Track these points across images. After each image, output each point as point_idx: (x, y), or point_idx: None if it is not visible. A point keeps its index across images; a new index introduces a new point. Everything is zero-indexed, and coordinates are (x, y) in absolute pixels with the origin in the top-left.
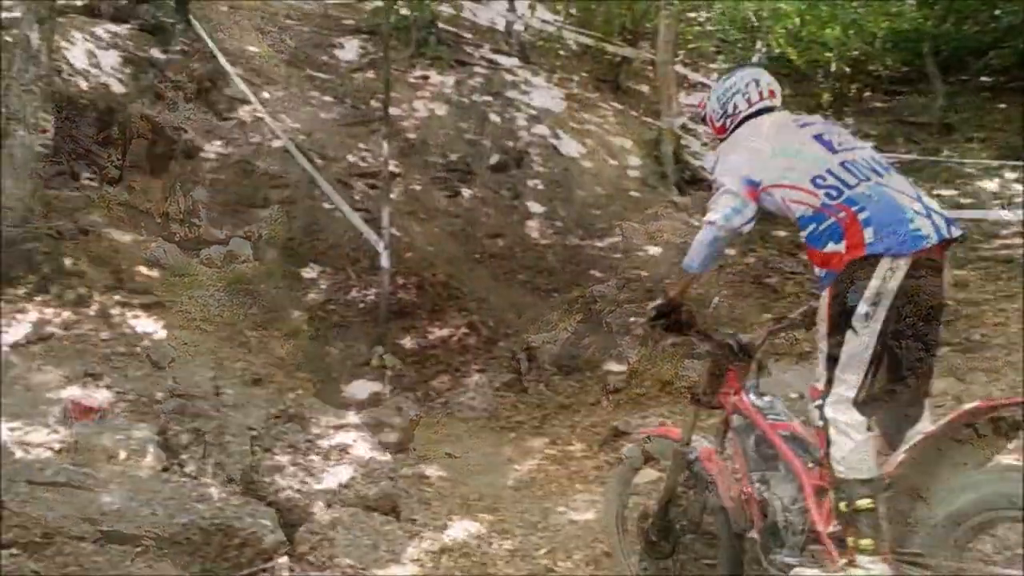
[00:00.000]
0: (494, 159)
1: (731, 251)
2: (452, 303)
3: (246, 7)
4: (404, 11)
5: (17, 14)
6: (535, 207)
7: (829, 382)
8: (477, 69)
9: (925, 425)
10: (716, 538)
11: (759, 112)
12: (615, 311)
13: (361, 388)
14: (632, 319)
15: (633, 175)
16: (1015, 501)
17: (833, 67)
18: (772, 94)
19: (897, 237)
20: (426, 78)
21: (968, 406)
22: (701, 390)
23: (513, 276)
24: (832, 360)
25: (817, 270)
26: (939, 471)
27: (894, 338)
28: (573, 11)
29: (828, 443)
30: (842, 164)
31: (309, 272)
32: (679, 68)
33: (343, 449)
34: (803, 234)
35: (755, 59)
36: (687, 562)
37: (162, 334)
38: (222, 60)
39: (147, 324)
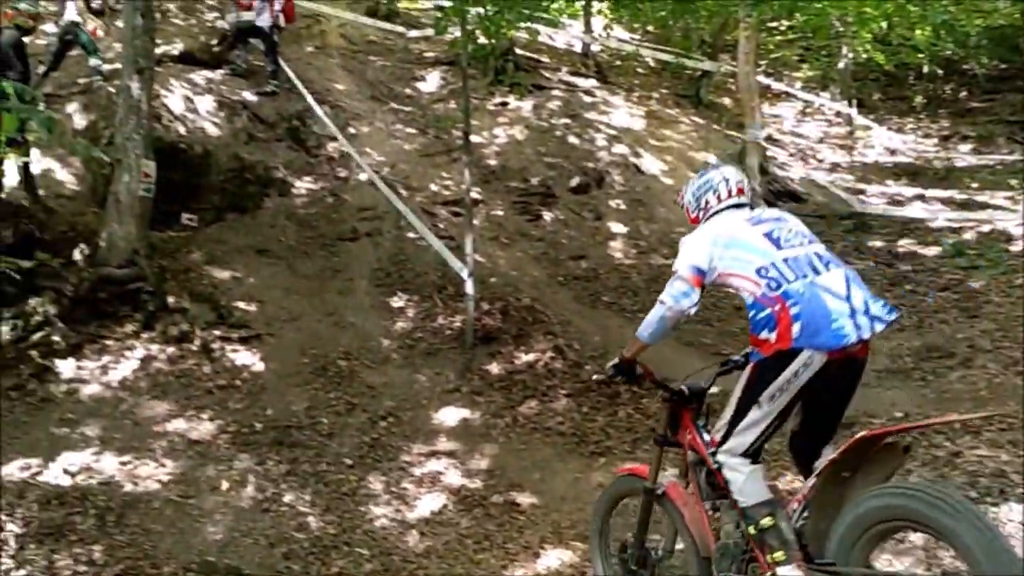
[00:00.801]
0: (575, 181)
1: None
2: (537, 327)
3: (332, 46)
4: (482, 40)
5: (118, 66)
6: (617, 227)
7: (727, 437)
8: (555, 92)
9: (829, 452)
10: (688, 563)
11: (728, 207)
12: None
13: (450, 415)
14: (719, 338)
15: None
16: (907, 512)
17: (925, 69)
18: (740, 192)
19: (819, 337)
20: (505, 104)
21: (860, 434)
22: (661, 431)
23: (597, 298)
24: (735, 420)
25: (750, 347)
26: (844, 490)
27: (806, 404)
28: (650, 28)
29: (726, 482)
30: (785, 260)
31: (397, 301)
32: (761, 78)
33: (435, 477)
34: (750, 315)
35: (841, 65)
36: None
37: (260, 366)
38: (309, 99)
39: (246, 357)
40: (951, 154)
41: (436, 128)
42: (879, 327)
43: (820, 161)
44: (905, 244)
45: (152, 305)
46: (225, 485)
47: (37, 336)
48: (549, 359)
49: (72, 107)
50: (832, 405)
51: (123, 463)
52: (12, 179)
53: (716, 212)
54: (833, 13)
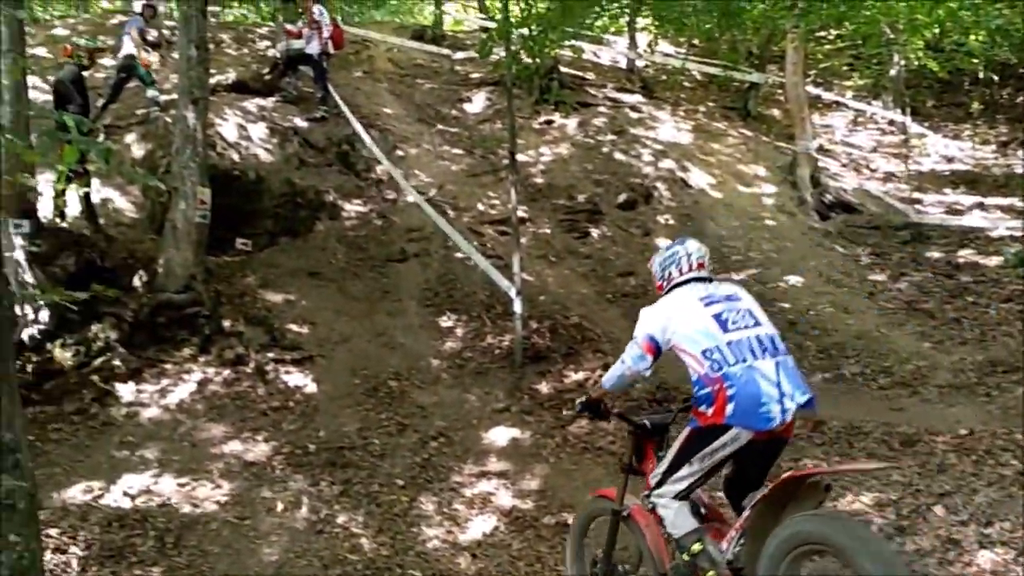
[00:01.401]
0: (622, 197)
1: (882, 276)
2: (586, 345)
3: (379, 71)
4: (526, 60)
5: (175, 96)
6: (666, 242)
7: (660, 483)
8: (601, 109)
9: (761, 491)
10: None
11: (689, 280)
12: None
13: (500, 435)
14: None
15: (768, 203)
16: (817, 535)
17: (980, 74)
18: (701, 266)
19: (748, 417)
20: (551, 122)
21: (787, 475)
22: (627, 460)
23: None
24: (669, 472)
25: (691, 415)
26: (774, 520)
27: (736, 461)
28: (696, 42)
29: (660, 518)
30: (728, 343)
31: (446, 321)
32: (811, 89)
33: (485, 498)
34: (693, 388)
35: (892, 72)
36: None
37: (312, 387)
38: (356, 125)
39: (299, 378)
40: (1010, 160)
41: (482, 148)
42: (797, 410)
43: (874, 171)
44: (965, 255)
45: (208, 329)
46: (280, 506)
47: (99, 361)
48: (599, 377)
49: (130, 137)
50: (758, 468)
51: (181, 485)
52: (74, 209)
53: (678, 284)
54: (883, 20)
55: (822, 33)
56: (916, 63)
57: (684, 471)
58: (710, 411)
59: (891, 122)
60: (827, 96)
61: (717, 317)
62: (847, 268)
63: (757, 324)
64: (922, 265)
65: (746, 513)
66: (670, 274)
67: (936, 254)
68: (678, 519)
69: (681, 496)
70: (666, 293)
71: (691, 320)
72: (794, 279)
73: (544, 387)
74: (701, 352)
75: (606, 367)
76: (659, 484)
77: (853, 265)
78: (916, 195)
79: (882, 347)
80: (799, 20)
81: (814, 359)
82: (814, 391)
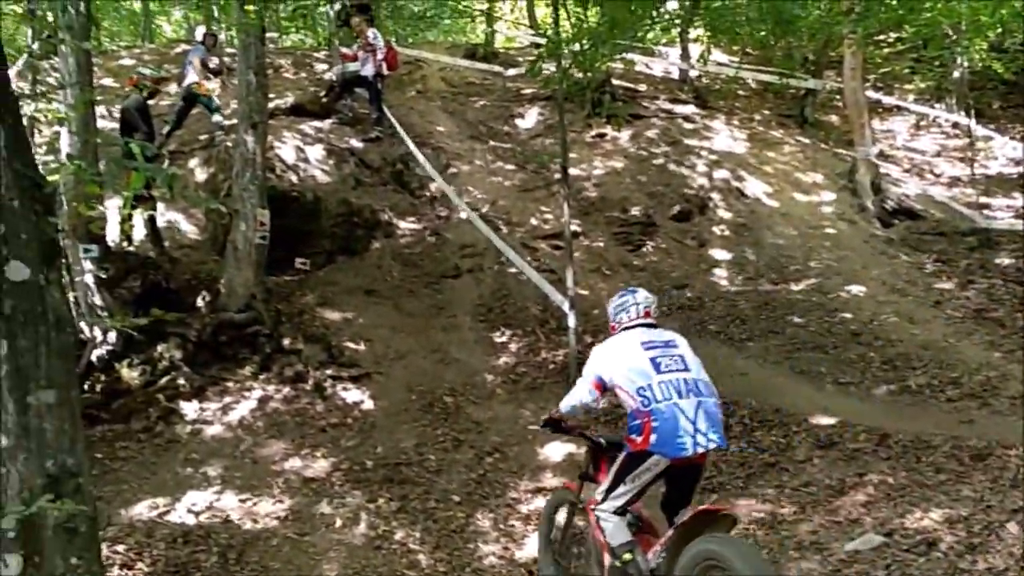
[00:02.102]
0: (676, 209)
1: (948, 285)
2: None
3: (433, 90)
4: (578, 75)
5: (236, 121)
6: (722, 254)
7: (604, 499)
8: (654, 121)
9: (687, 512)
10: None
11: (635, 326)
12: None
13: (556, 450)
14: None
15: (828, 211)
16: (718, 555)
17: None
18: (647, 314)
19: (667, 447)
20: (603, 136)
21: (702, 508)
22: (584, 469)
23: (704, 327)
24: (610, 490)
25: (625, 443)
26: (689, 542)
27: (667, 482)
28: (750, 50)
29: (601, 529)
30: (660, 383)
31: (500, 336)
32: (870, 93)
33: (541, 514)
34: (628, 420)
35: (955, 75)
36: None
37: (370, 404)
38: (410, 144)
39: (356, 395)
40: None
41: (534, 163)
42: (711, 446)
43: (938, 176)
44: None
45: (269, 347)
46: (339, 522)
47: (164, 380)
48: None
49: (194, 162)
50: (681, 489)
51: (243, 501)
52: (140, 233)
53: (627, 327)
54: (945, 22)
55: (881, 36)
56: (980, 64)
57: (620, 490)
58: (639, 439)
59: (955, 125)
60: (887, 100)
61: (653, 360)
62: (911, 276)
63: (686, 369)
64: (991, 272)
65: (670, 532)
66: (621, 319)
67: (1005, 260)
68: (615, 531)
69: (619, 511)
70: (617, 334)
71: (631, 361)
72: (856, 289)
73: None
74: (636, 390)
75: None
76: (602, 500)
77: (918, 273)
78: (983, 200)
79: (950, 357)
80: (856, 25)
81: (878, 371)
82: (877, 403)
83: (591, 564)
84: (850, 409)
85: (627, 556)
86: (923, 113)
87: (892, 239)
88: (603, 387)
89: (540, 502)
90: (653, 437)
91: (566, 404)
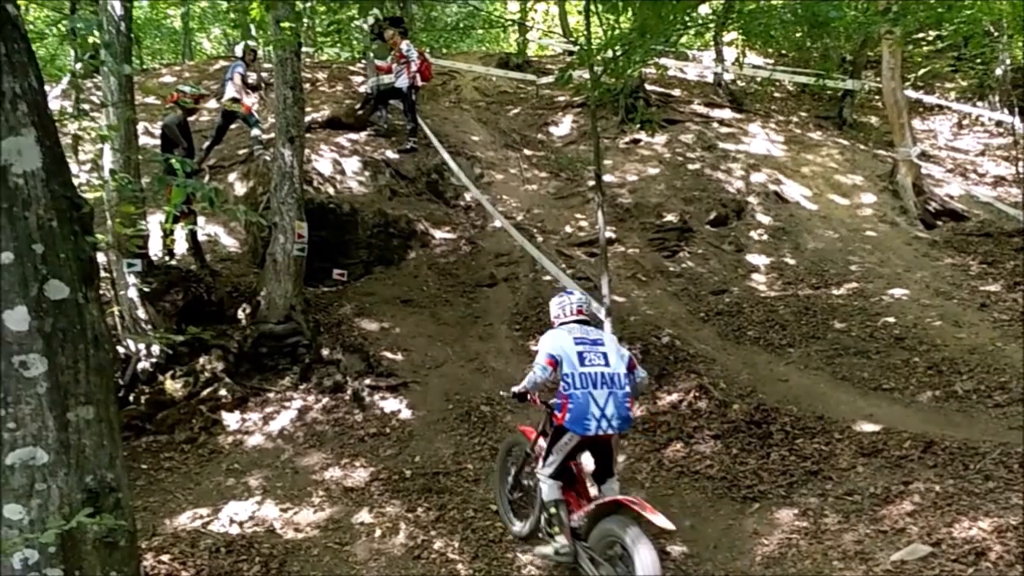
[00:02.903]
0: (712, 214)
1: (994, 287)
2: (679, 366)
3: (466, 100)
4: (610, 82)
5: (272, 135)
6: (760, 259)
7: (543, 464)
8: (688, 125)
9: (611, 485)
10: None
11: (571, 322)
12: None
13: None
14: (879, 372)
15: (868, 213)
16: (616, 534)
17: None
18: (580, 312)
19: (576, 425)
20: (637, 141)
21: (614, 498)
22: (543, 429)
23: (742, 333)
24: (546, 456)
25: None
26: (601, 518)
27: (592, 454)
28: (785, 51)
29: (537, 487)
30: (580, 374)
31: (535, 344)
32: (910, 93)
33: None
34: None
35: (999, 71)
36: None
37: (407, 413)
38: (444, 154)
39: (394, 404)
40: None
41: (568, 171)
42: (610, 431)
43: (982, 176)
44: None
45: (308, 358)
46: (378, 532)
47: (206, 391)
48: (693, 399)
49: (233, 176)
50: (599, 461)
51: (283, 510)
52: (181, 246)
53: (564, 323)
54: (986, 19)
55: (920, 35)
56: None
57: (552, 458)
58: (559, 415)
59: (999, 123)
60: (929, 99)
61: (580, 354)
62: (956, 279)
63: (606, 364)
64: None
65: (590, 506)
66: (559, 315)
67: None
68: (549, 491)
69: (553, 475)
70: (556, 328)
71: (566, 352)
72: (899, 292)
73: (637, 410)
74: (562, 375)
75: (701, 388)
76: (542, 466)
77: (963, 275)
78: None
79: (997, 362)
80: (893, 24)
81: (923, 376)
82: (922, 409)
83: (534, 507)
84: (894, 415)
85: (553, 510)
86: (966, 112)
87: (935, 241)
88: (555, 362)
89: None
90: (567, 416)
91: (529, 381)
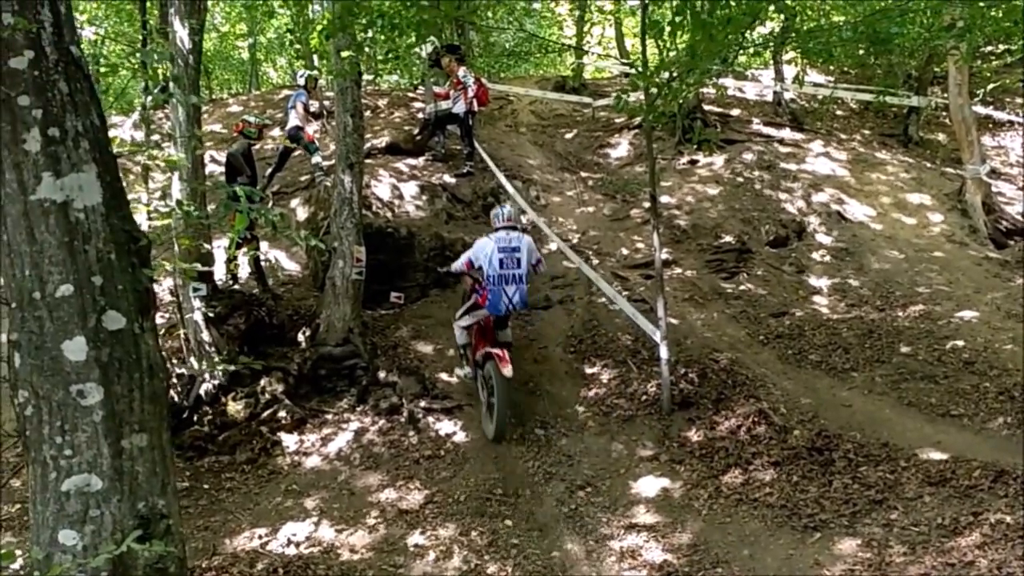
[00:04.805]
0: (772, 235)
1: None
2: (738, 390)
3: (522, 124)
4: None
5: (332, 162)
6: (821, 281)
7: (459, 319)
8: (748, 145)
9: (506, 332)
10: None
11: (501, 228)
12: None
13: (649, 485)
14: (947, 398)
15: (936, 233)
16: (488, 372)
17: None
18: (509, 220)
19: (491, 308)
20: (695, 162)
21: (494, 351)
22: (468, 294)
23: (804, 357)
24: (462, 316)
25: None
26: (487, 362)
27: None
28: (847, 68)
29: (457, 334)
30: (499, 275)
31: (590, 367)
32: (979, 109)
33: (635, 551)
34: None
35: None
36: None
37: (461, 436)
38: (501, 178)
39: (448, 426)
40: None
41: (624, 192)
42: (511, 309)
43: None
44: None
45: (365, 380)
46: (432, 555)
47: (267, 413)
48: (752, 424)
49: (295, 202)
50: (499, 325)
51: (340, 532)
52: (245, 271)
53: (496, 228)
54: None
55: (988, 48)
56: None
57: (467, 318)
58: (479, 298)
59: None
60: (999, 115)
61: (500, 260)
62: None
63: (518, 267)
64: None
65: (483, 351)
66: (494, 223)
67: None
68: (460, 335)
69: (464, 327)
70: (491, 232)
71: (488, 255)
72: (968, 314)
73: (694, 435)
74: (486, 275)
75: (760, 413)
76: (458, 319)
77: None
78: None
79: None
80: (959, 40)
81: (993, 402)
82: (993, 437)
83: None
84: (963, 443)
85: (462, 350)
86: None
87: (1007, 261)
88: (471, 265)
89: (634, 539)
90: (486, 302)
91: (454, 267)
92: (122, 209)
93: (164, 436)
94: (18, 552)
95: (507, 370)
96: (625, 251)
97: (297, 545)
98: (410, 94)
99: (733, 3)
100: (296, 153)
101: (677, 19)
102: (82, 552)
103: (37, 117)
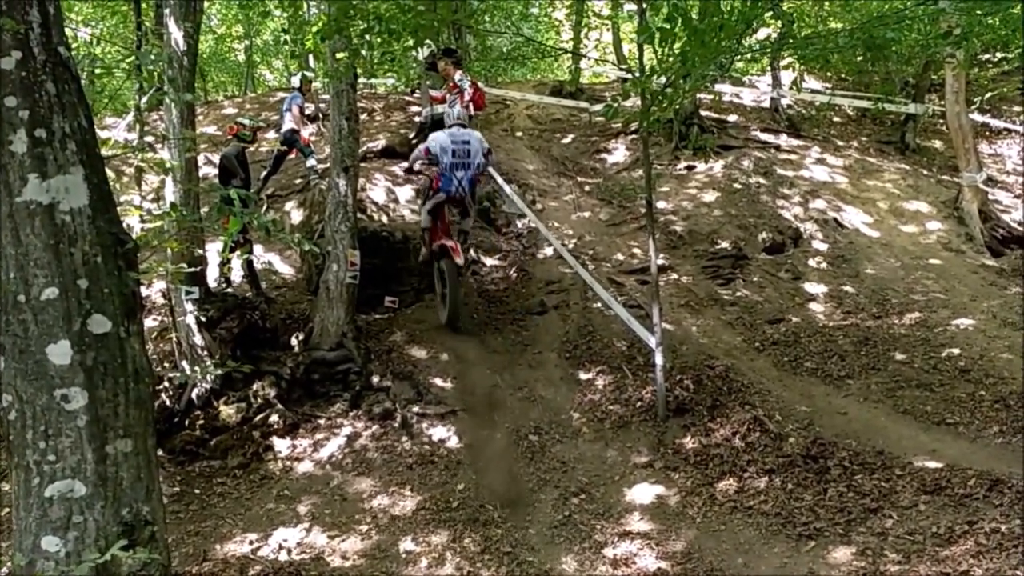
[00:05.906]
0: (768, 241)
1: None
2: (733, 397)
3: (519, 128)
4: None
5: (327, 165)
6: (818, 287)
7: (422, 205)
8: (744, 151)
9: (467, 221)
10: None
11: (453, 125)
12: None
13: (643, 492)
14: (943, 406)
15: (932, 240)
16: (442, 268)
17: None
18: (459, 119)
19: (443, 191)
20: (692, 168)
21: (446, 243)
22: (427, 188)
23: (799, 364)
24: (424, 201)
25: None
26: (442, 254)
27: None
28: (844, 75)
29: (422, 218)
30: (451, 164)
31: (585, 373)
32: (976, 117)
33: (628, 559)
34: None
35: None
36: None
37: (455, 441)
38: (499, 180)
39: (442, 432)
40: None
41: (621, 198)
42: (463, 193)
43: None
44: None
45: (359, 384)
46: (424, 562)
47: (259, 417)
48: (747, 431)
49: (290, 205)
50: (459, 211)
51: (331, 538)
52: (238, 274)
53: (449, 126)
54: None
55: (986, 56)
56: None
57: (428, 204)
58: (435, 184)
59: None
60: (996, 123)
61: (453, 151)
62: None
63: (468, 156)
64: None
65: (440, 243)
66: (447, 121)
67: None
68: (424, 220)
69: (429, 212)
70: (445, 128)
71: (443, 147)
72: (965, 322)
73: (689, 441)
74: (440, 164)
75: (755, 420)
76: (422, 204)
77: None
78: None
79: None
80: (956, 47)
81: (989, 410)
82: (989, 445)
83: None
84: (959, 451)
85: (424, 234)
86: None
87: (1003, 269)
88: (430, 152)
89: (628, 546)
90: (439, 185)
91: (412, 159)
92: (109, 211)
93: (149, 442)
94: (2, 558)
95: (459, 260)
96: (621, 256)
97: (288, 551)
98: (406, 97)
99: (725, 9)
100: (291, 156)
101: (667, 25)
102: (65, 559)
103: (24, 118)
